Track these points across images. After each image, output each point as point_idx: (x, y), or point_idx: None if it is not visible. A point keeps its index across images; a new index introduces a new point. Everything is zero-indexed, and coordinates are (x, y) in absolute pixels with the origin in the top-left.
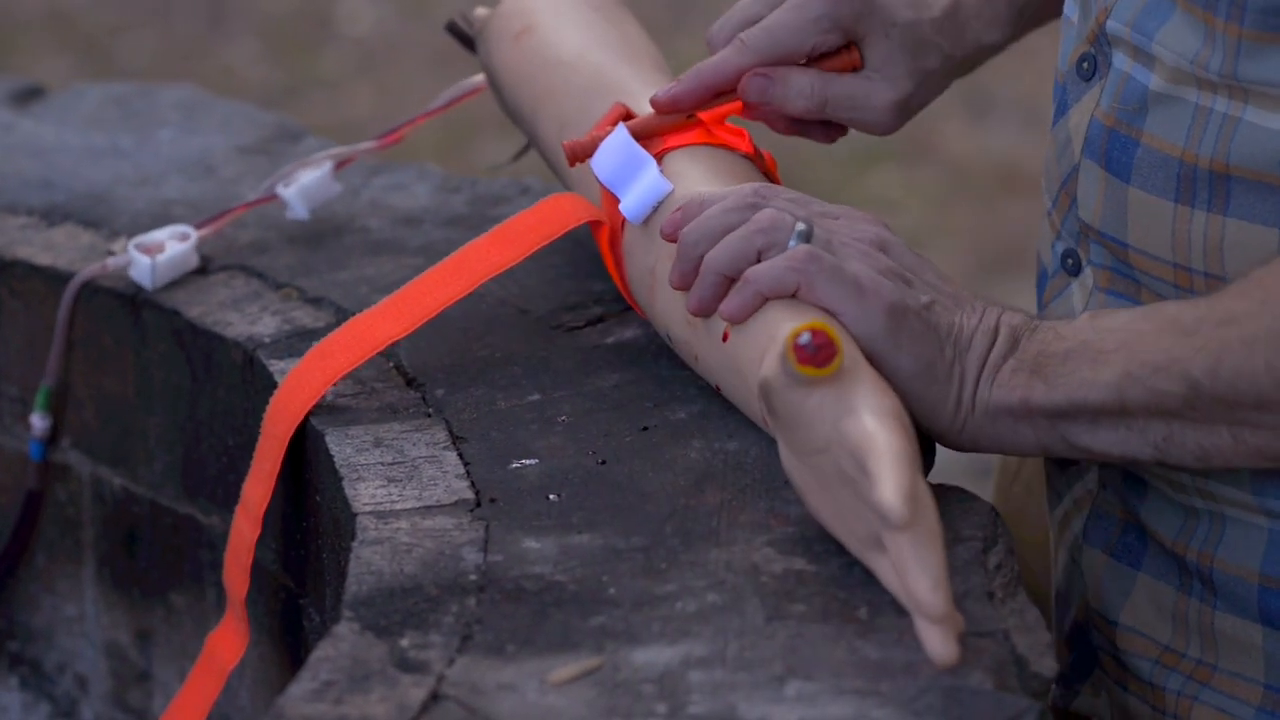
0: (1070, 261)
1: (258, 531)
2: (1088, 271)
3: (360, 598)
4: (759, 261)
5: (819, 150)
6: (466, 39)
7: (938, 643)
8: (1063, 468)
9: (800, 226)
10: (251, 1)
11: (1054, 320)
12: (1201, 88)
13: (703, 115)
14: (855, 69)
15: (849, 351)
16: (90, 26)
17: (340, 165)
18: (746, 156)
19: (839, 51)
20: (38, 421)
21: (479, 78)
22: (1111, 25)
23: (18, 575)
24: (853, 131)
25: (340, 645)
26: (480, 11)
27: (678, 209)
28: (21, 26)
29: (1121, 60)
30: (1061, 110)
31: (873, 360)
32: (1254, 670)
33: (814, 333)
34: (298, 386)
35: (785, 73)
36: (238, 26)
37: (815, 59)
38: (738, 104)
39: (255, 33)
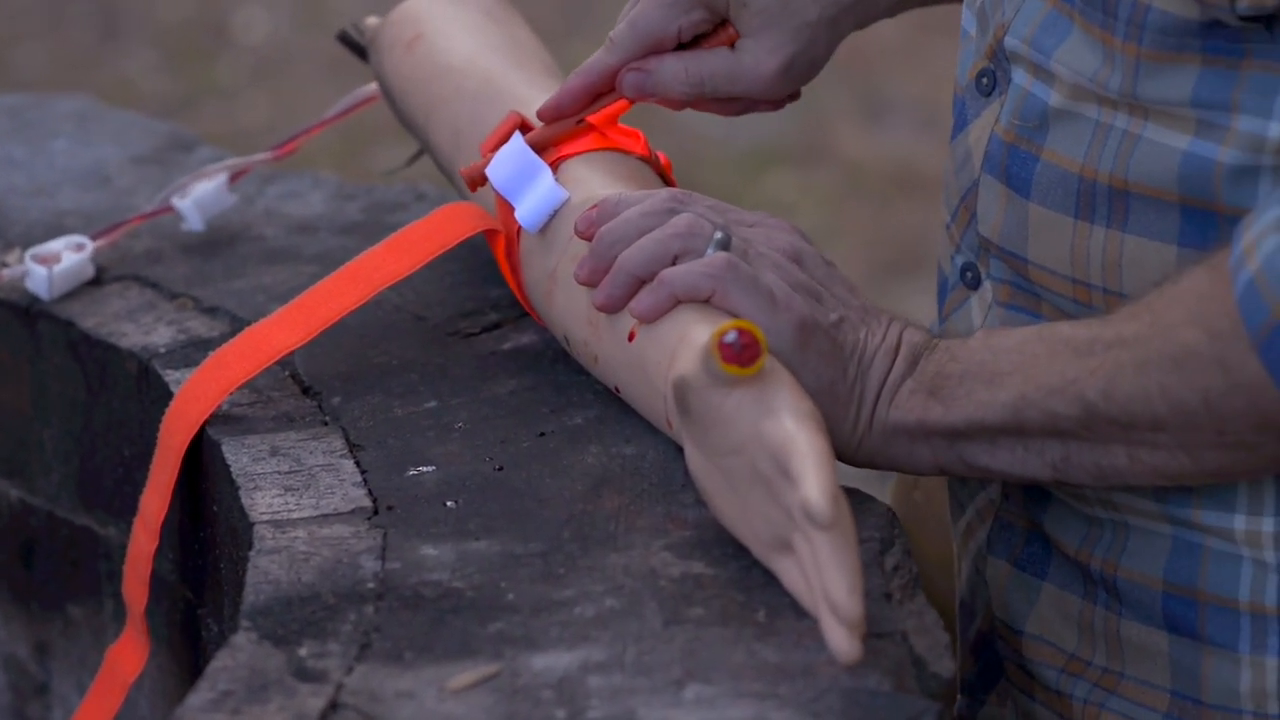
0: (969, 275)
1: (155, 543)
2: (987, 285)
3: (258, 607)
4: (674, 265)
5: (715, 153)
6: (358, 48)
7: (843, 641)
8: (965, 479)
9: (718, 234)
10: (146, 11)
11: (951, 340)
12: (1102, 104)
13: (593, 119)
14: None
15: (770, 356)
16: None
17: (235, 177)
18: (641, 158)
19: (715, 30)
20: None
21: (372, 86)
22: (1009, 42)
23: None
24: (749, 133)
25: (238, 655)
26: (371, 20)
27: (593, 206)
28: None
29: (1021, 76)
30: (961, 125)
31: None
32: (1160, 677)
33: (740, 332)
34: (193, 397)
35: (657, 63)
36: (132, 37)
37: (693, 42)
38: (623, 102)
39: (150, 43)
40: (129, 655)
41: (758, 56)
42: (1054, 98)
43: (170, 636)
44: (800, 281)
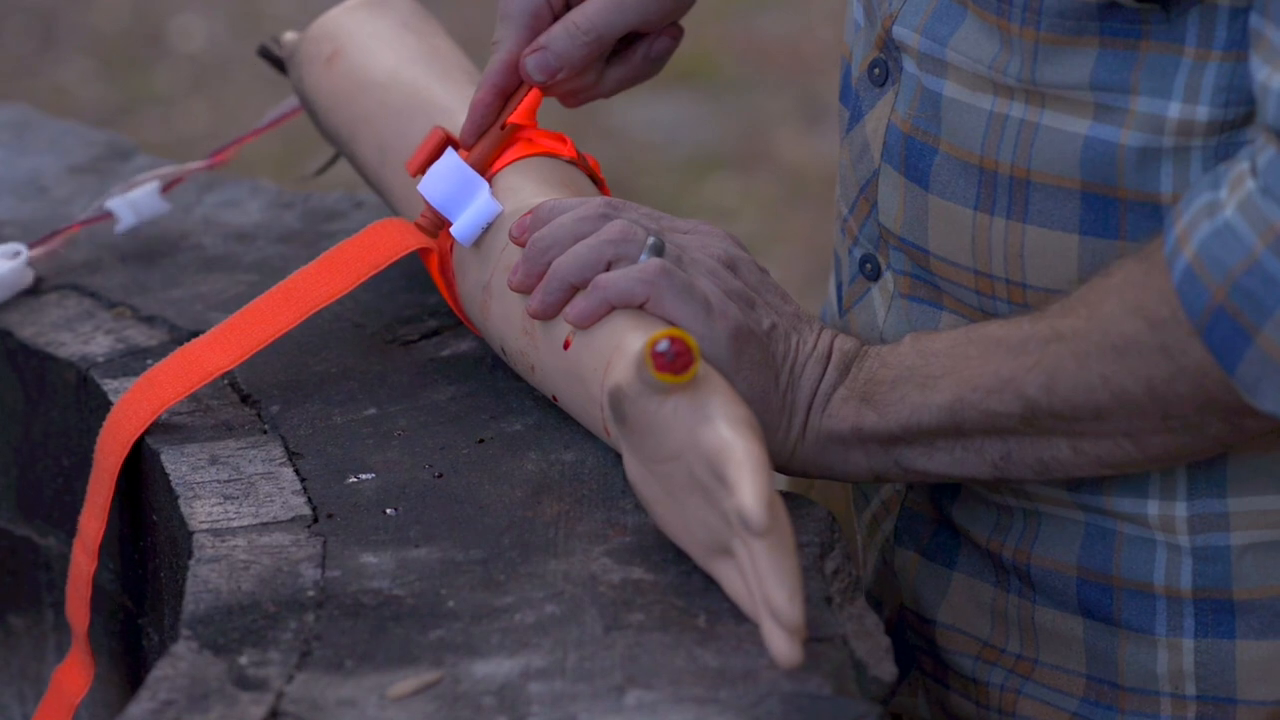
0: (869, 266)
1: (94, 565)
2: (888, 276)
3: (198, 616)
4: (608, 271)
5: (655, 159)
6: (278, 62)
7: (783, 645)
8: None
9: (652, 240)
10: (83, 20)
11: (881, 346)
12: (998, 93)
13: (514, 118)
14: None
15: (703, 361)
16: None
17: (169, 186)
18: (571, 161)
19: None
20: None
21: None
22: (898, 31)
23: None
24: (689, 139)
25: (179, 664)
26: (288, 36)
27: (528, 212)
28: None
29: (912, 67)
30: (856, 116)
31: None
32: (1075, 663)
33: (672, 340)
34: (125, 417)
35: (546, 37)
36: (69, 45)
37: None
38: (535, 93)
39: (87, 51)
40: (74, 676)
41: None
42: (947, 88)
43: (110, 646)
44: (734, 288)
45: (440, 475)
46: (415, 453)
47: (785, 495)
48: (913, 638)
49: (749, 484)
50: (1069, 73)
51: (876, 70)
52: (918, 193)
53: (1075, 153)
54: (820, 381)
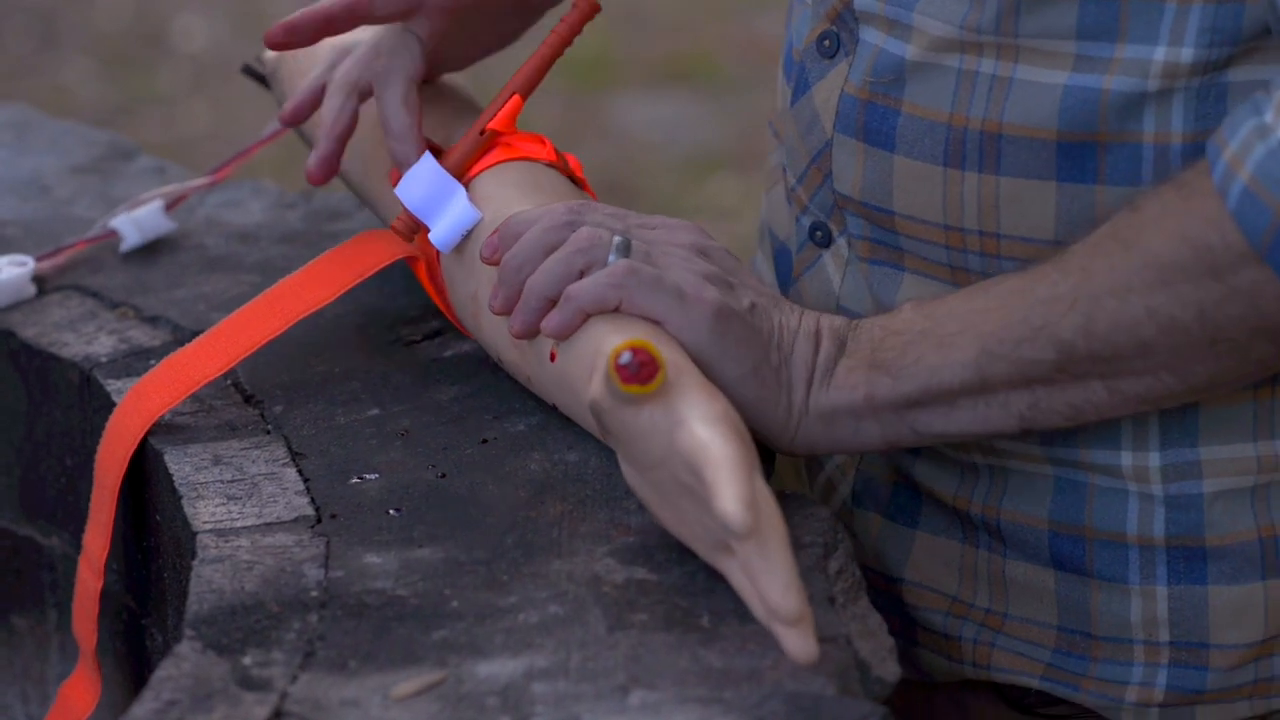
0: (819, 234)
1: (101, 582)
2: (841, 243)
3: (202, 616)
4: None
5: (655, 159)
6: (262, 79)
7: (796, 642)
8: None
9: (617, 240)
10: (84, 19)
11: (875, 318)
12: (966, 51)
13: (494, 124)
14: None
15: (675, 360)
16: None
17: (173, 204)
18: (551, 165)
19: None
20: None
21: None
22: (862, 1)
23: None
24: (689, 139)
25: (182, 664)
26: (269, 54)
27: (494, 231)
28: None
29: (872, 34)
30: (803, 89)
31: (701, 366)
32: (1047, 615)
33: (634, 351)
34: (119, 431)
35: None
36: (70, 45)
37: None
38: (516, 100)
39: (88, 51)
40: (81, 692)
41: None
42: (911, 51)
43: (114, 647)
44: (709, 272)
45: (443, 475)
46: (418, 453)
47: (786, 495)
48: (876, 598)
49: (726, 486)
50: (1054, 21)
51: (826, 42)
52: (880, 156)
53: (1054, 103)
54: (815, 356)
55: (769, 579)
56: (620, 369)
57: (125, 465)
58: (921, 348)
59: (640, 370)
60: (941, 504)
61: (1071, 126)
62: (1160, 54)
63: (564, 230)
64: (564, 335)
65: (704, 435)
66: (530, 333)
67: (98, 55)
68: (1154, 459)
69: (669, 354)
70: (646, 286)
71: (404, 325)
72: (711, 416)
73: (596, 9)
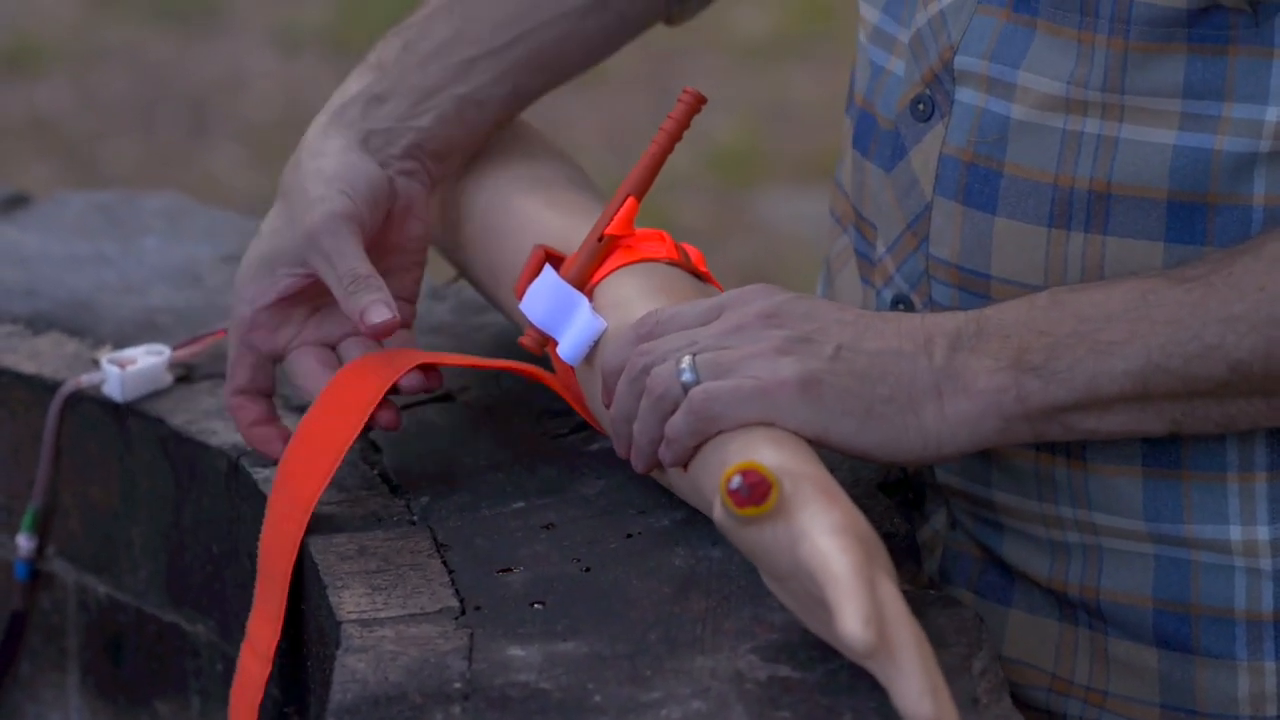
0: (900, 308)
1: (268, 670)
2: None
3: (345, 706)
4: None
5: (801, 254)
6: None
7: None
8: (903, 515)
9: (685, 377)
10: (233, 109)
11: (999, 309)
12: (1071, 111)
13: (613, 230)
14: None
15: (792, 467)
16: (72, 134)
17: None
18: (671, 261)
19: None
20: (24, 542)
21: None
22: (962, 61)
23: (2, 685)
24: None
25: None
26: None
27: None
28: (3, 134)
29: (970, 95)
30: (899, 154)
31: (820, 439)
32: (1148, 692)
33: (744, 474)
34: (282, 517)
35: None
36: (219, 133)
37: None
38: (632, 200)
39: (237, 139)
40: None
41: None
42: (1016, 110)
43: None
44: (782, 342)
45: (588, 569)
46: (563, 546)
47: (930, 596)
48: None
49: (847, 604)
50: (1160, 80)
51: (921, 106)
52: (981, 218)
53: (1164, 162)
54: (932, 361)
55: (901, 688)
56: (733, 494)
57: (295, 553)
58: (1076, 351)
59: (753, 492)
60: (1035, 584)
61: (1182, 186)
62: (1273, 115)
63: (641, 377)
64: (684, 465)
65: (824, 548)
66: (651, 470)
67: (247, 144)
68: (1263, 533)
69: (788, 457)
70: (727, 402)
71: (550, 418)
72: (831, 527)
73: (703, 100)
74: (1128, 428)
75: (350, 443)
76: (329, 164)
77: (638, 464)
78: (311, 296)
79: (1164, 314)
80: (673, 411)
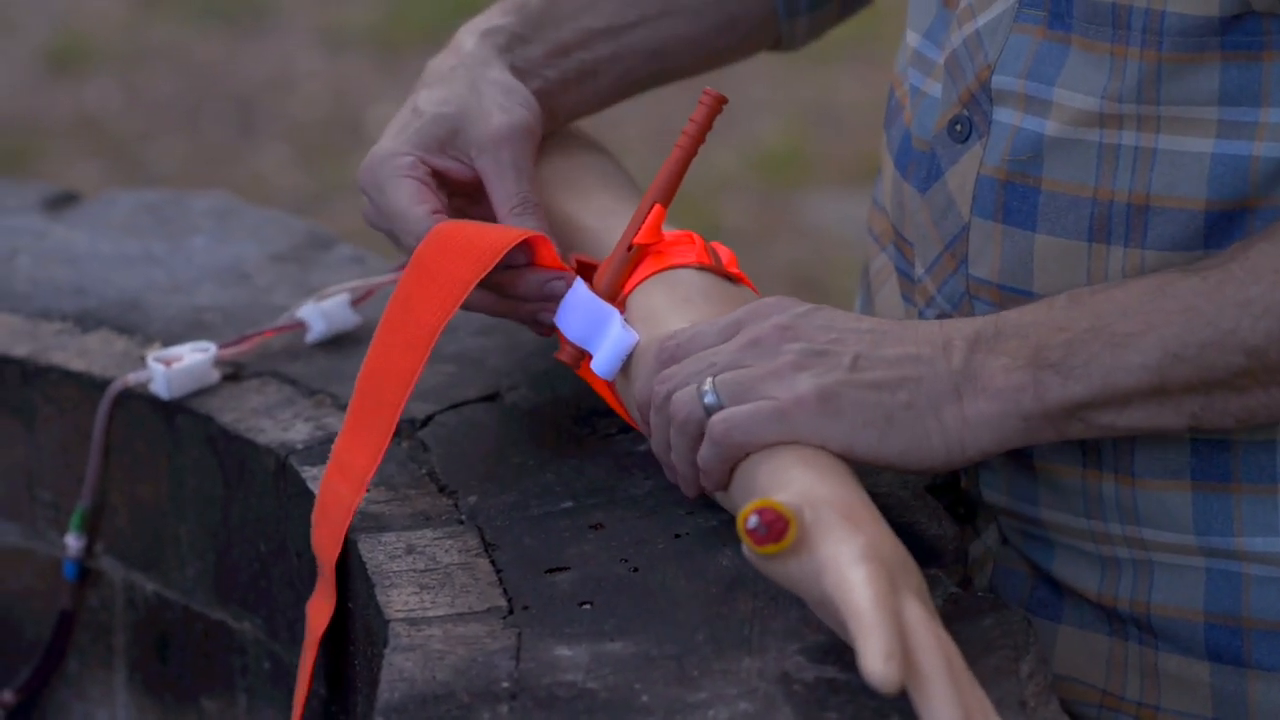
0: None
1: (360, 496)
2: None
3: (393, 705)
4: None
5: (850, 256)
6: None
7: None
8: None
9: (708, 398)
10: (281, 108)
11: (1016, 311)
12: (1105, 125)
13: (641, 239)
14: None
15: (813, 493)
16: (120, 133)
17: (360, 299)
18: (702, 265)
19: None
20: (73, 542)
21: None
22: (1000, 80)
23: (50, 683)
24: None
25: None
26: None
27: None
28: (51, 133)
29: (1007, 115)
30: (935, 175)
31: (844, 452)
32: (1200, 707)
33: (759, 512)
34: (402, 349)
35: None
36: (267, 132)
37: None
38: (659, 208)
39: (285, 139)
40: (320, 608)
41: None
42: (1050, 127)
43: None
44: (797, 356)
45: (636, 569)
46: (611, 546)
47: (980, 598)
48: None
49: (867, 641)
50: (1194, 89)
51: (958, 126)
52: (1020, 236)
53: (1203, 172)
54: (951, 363)
55: (930, 713)
56: (751, 534)
57: (411, 387)
58: (1093, 346)
59: (770, 530)
60: (1085, 600)
61: (1221, 194)
62: None
63: (666, 404)
64: (722, 488)
65: (850, 577)
66: (695, 494)
67: (295, 143)
68: None
69: (815, 480)
70: (748, 428)
71: (598, 418)
72: (854, 556)
73: (723, 101)
74: (1149, 422)
75: (389, 436)
76: (499, 76)
77: (686, 491)
78: (451, 191)
79: (1179, 303)
80: (700, 436)
